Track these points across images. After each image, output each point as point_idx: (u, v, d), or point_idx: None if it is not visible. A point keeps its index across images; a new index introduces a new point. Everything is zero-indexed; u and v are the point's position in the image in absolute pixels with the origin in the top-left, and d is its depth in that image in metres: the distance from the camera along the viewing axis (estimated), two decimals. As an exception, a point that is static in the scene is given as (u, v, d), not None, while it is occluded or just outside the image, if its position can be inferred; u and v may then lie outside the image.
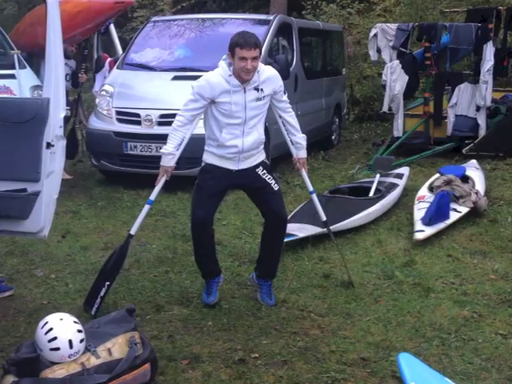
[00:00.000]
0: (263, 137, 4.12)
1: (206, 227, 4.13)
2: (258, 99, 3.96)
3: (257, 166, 4.13)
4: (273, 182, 4.17)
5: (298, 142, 4.30)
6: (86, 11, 7.48)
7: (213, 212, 4.19)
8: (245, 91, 3.90)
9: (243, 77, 3.85)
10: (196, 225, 4.11)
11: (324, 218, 4.58)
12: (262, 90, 3.94)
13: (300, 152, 4.35)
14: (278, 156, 7.57)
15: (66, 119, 7.57)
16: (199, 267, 4.31)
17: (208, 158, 4.10)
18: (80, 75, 8.01)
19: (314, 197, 4.53)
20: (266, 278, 4.33)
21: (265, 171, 4.15)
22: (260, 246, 4.44)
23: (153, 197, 4.13)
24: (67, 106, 7.74)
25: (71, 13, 7.14)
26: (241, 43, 3.79)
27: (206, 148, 4.12)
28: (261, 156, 4.16)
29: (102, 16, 7.87)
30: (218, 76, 3.90)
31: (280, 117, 4.23)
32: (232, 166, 4.06)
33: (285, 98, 4.15)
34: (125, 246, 4.16)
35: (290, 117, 4.24)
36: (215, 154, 4.05)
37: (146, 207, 4.15)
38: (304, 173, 4.43)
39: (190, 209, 4.20)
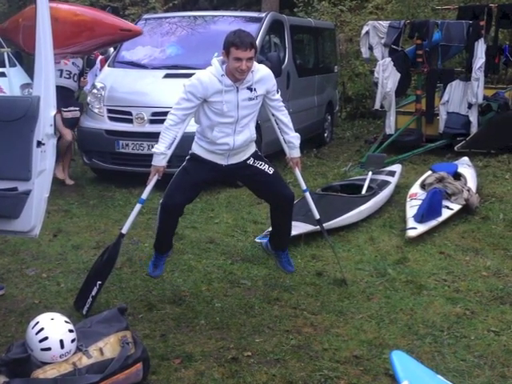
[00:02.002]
0: (254, 135, 4.10)
1: (179, 213, 4.10)
2: (251, 99, 3.92)
3: (247, 159, 4.12)
4: (266, 166, 4.13)
5: (290, 141, 4.27)
6: (90, 31, 6.96)
7: (191, 201, 4.21)
8: (237, 90, 3.86)
9: (237, 76, 3.80)
10: (169, 208, 4.03)
11: (317, 216, 4.58)
12: (255, 89, 3.90)
13: (293, 151, 4.33)
14: (270, 153, 7.56)
15: (76, 120, 7.48)
16: (156, 241, 4.27)
17: (197, 150, 4.07)
18: (82, 79, 7.79)
19: (308, 195, 4.52)
20: (283, 248, 4.45)
21: (255, 160, 4.13)
22: (271, 224, 4.44)
23: (144, 196, 4.10)
24: (76, 107, 7.48)
25: (72, 25, 6.78)
26: (236, 43, 3.72)
27: (196, 140, 4.09)
28: (251, 150, 4.14)
29: (105, 40, 7.28)
30: (211, 75, 3.85)
31: (273, 115, 4.20)
32: (221, 161, 4.04)
33: (278, 96, 4.11)
34: (116, 245, 4.13)
35: (283, 115, 4.20)
36: (205, 148, 4.03)
37: (138, 206, 4.12)
38: (297, 171, 4.42)
39: (167, 188, 4.06)
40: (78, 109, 7.55)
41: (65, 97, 7.14)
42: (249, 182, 4.28)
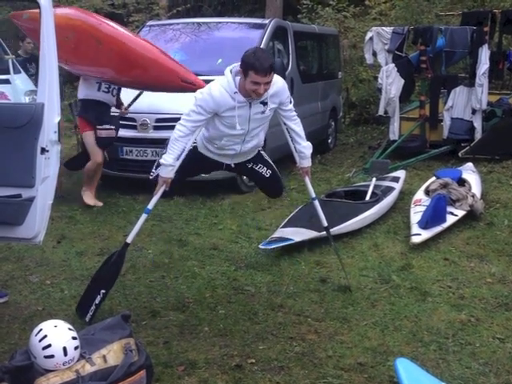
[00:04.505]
0: (262, 142, 4.11)
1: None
2: (263, 112, 3.86)
3: (248, 162, 4.13)
4: (263, 169, 4.17)
5: (301, 151, 4.24)
6: (142, 70, 6.05)
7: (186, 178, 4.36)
8: (250, 106, 3.78)
9: (253, 97, 3.73)
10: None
11: (325, 224, 4.57)
12: (268, 104, 3.83)
13: (303, 161, 4.31)
14: (274, 159, 7.55)
15: (110, 140, 6.85)
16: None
17: (202, 150, 4.05)
18: (124, 109, 7.00)
19: (317, 203, 4.51)
20: None
21: (255, 164, 4.16)
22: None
23: (151, 206, 4.08)
24: (112, 125, 6.77)
25: (121, 57, 6.03)
26: (256, 68, 3.58)
27: (202, 138, 4.01)
28: (256, 152, 4.15)
29: (159, 85, 6.21)
30: (223, 91, 3.73)
31: (284, 124, 4.14)
32: (225, 161, 4.06)
33: (290, 106, 4.03)
34: (121, 255, 4.12)
35: (295, 124, 4.14)
36: (210, 150, 4.02)
37: (144, 216, 4.09)
38: (307, 180, 4.42)
39: None
40: (113, 127, 6.83)
41: (100, 113, 6.72)
42: (245, 175, 4.66)
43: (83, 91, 6.78)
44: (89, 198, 6.85)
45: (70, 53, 6.09)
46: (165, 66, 6.09)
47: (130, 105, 7.10)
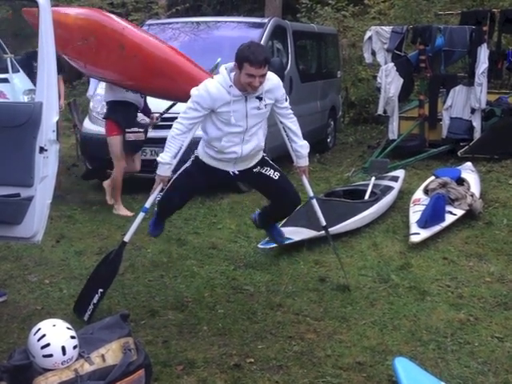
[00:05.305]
0: (262, 144, 4.07)
1: (176, 210, 4.31)
2: (260, 108, 3.85)
3: (254, 167, 4.10)
4: (271, 172, 4.11)
5: (298, 150, 4.22)
6: (168, 80, 5.81)
7: (188, 201, 4.37)
8: (246, 100, 3.79)
9: (248, 91, 3.74)
10: (166, 208, 4.23)
11: (324, 223, 4.57)
12: (264, 99, 3.85)
13: (300, 160, 4.29)
14: (274, 158, 7.54)
15: (138, 144, 6.51)
16: (159, 209, 4.22)
17: (204, 157, 4.03)
18: (156, 118, 6.72)
19: (315, 202, 4.50)
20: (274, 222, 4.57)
21: (261, 167, 4.11)
22: (269, 206, 4.45)
23: (148, 205, 4.07)
24: (141, 128, 6.42)
25: (146, 66, 5.81)
26: (251, 60, 3.60)
27: (202, 145, 4.02)
28: (258, 156, 4.13)
29: (181, 95, 5.37)
30: (219, 86, 3.76)
31: (281, 122, 4.14)
32: (228, 168, 4.02)
33: (286, 104, 4.03)
34: (119, 254, 4.11)
35: (292, 123, 4.13)
36: (212, 156, 4.00)
37: (141, 215, 4.09)
38: (304, 179, 4.40)
39: (167, 189, 4.05)
40: (142, 130, 6.52)
41: (128, 114, 6.47)
42: (254, 185, 4.35)
43: (110, 93, 6.51)
44: (123, 210, 6.57)
45: (90, 57, 6.03)
46: (196, 77, 5.55)
47: (162, 114, 6.79)
